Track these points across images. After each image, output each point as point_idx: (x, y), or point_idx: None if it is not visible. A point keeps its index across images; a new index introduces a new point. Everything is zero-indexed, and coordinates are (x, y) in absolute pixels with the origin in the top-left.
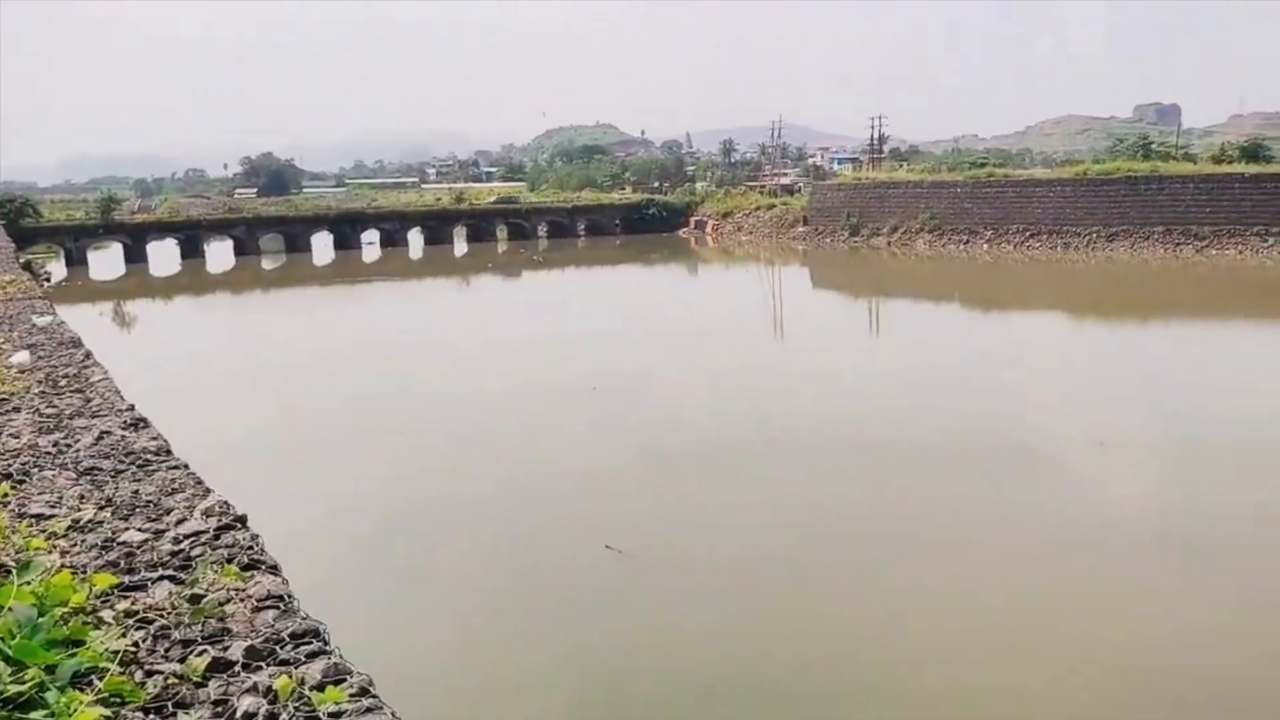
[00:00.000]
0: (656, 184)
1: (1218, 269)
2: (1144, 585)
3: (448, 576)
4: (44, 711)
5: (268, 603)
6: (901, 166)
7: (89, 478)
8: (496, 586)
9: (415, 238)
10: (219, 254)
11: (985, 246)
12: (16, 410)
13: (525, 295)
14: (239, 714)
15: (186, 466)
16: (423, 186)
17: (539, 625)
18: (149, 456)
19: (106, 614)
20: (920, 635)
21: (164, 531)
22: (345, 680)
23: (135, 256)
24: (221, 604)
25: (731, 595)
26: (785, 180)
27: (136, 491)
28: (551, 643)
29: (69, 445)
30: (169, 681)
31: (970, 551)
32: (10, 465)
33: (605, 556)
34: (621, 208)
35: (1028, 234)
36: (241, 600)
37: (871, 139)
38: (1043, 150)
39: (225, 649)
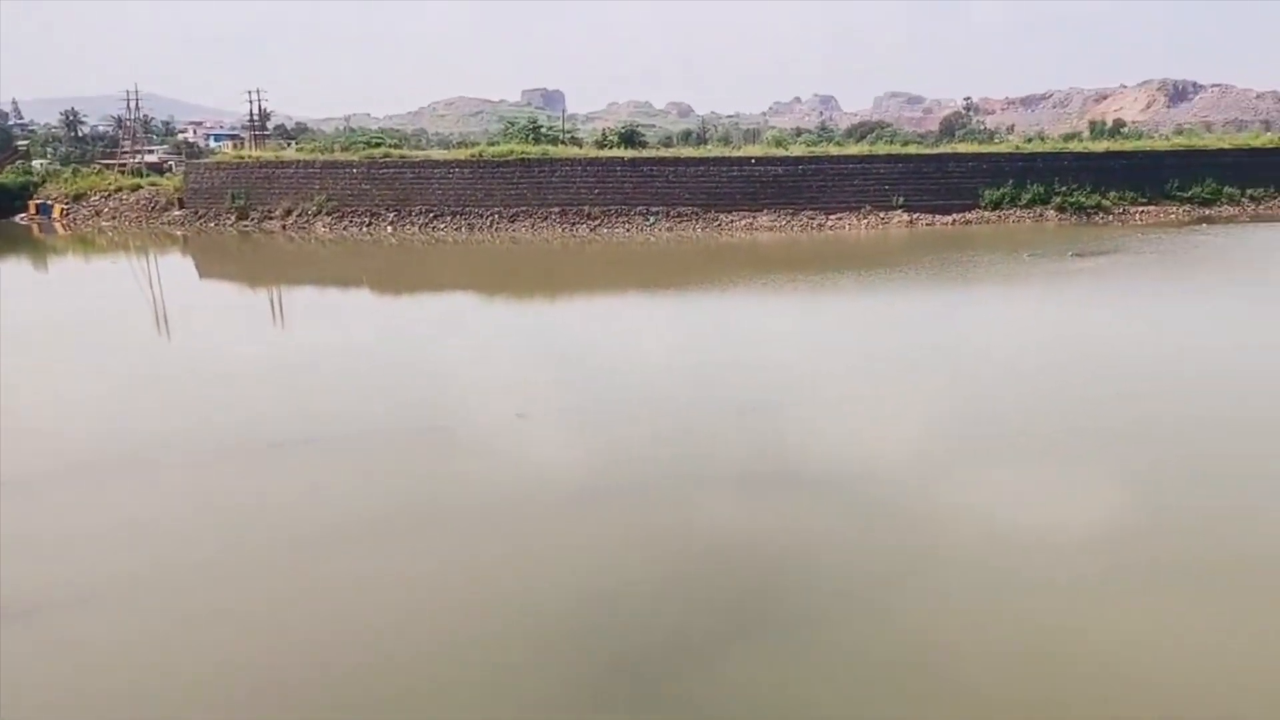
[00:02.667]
0: None
1: (610, 245)
2: (562, 541)
3: None
4: None
5: None
6: (290, 145)
7: None
8: None
9: None
10: None
11: (390, 229)
12: None
13: None
14: None
15: None
16: None
17: None
18: None
19: None
20: (358, 624)
21: None
22: None
23: None
24: None
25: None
26: (152, 158)
27: None
28: None
29: None
30: None
31: (405, 531)
32: None
33: None
34: None
35: (431, 215)
36: None
37: (252, 114)
38: (438, 131)
39: None
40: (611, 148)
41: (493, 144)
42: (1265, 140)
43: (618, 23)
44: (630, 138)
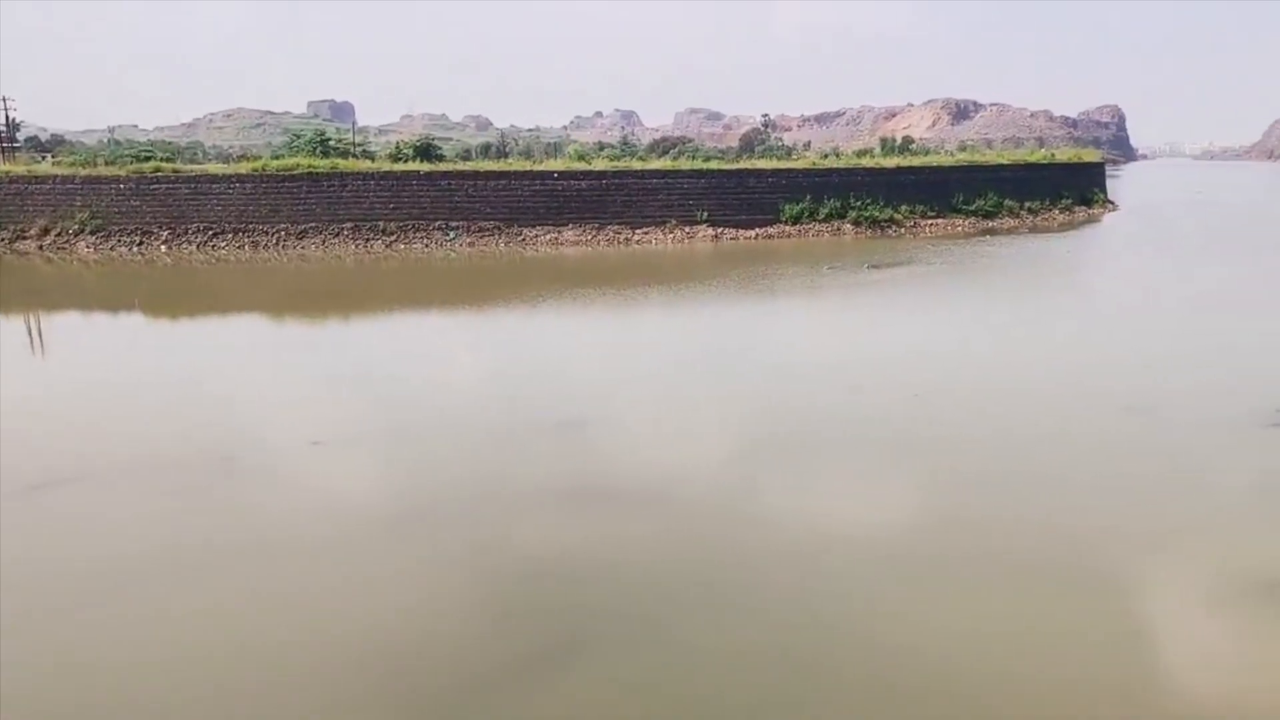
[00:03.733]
0: None
1: (408, 262)
2: (364, 574)
3: None
4: None
5: None
6: (45, 159)
7: None
8: None
9: None
10: None
11: (164, 248)
12: None
13: None
14: None
15: None
16: None
17: None
18: None
19: None
20: (131, 677)
21: None
22: None
23: None
24: None
25: None
26: None
27: None
28: None
29: None
30: None
31: (186, 571)
32: None
33: None
34: None
35: (211, 233)
36: None
37: None
38: (216, 144)
39: None
40: (407, 161)
41: (277, 157)
42: (1039, 156)
43: (412, 32)
44: (426, 151)
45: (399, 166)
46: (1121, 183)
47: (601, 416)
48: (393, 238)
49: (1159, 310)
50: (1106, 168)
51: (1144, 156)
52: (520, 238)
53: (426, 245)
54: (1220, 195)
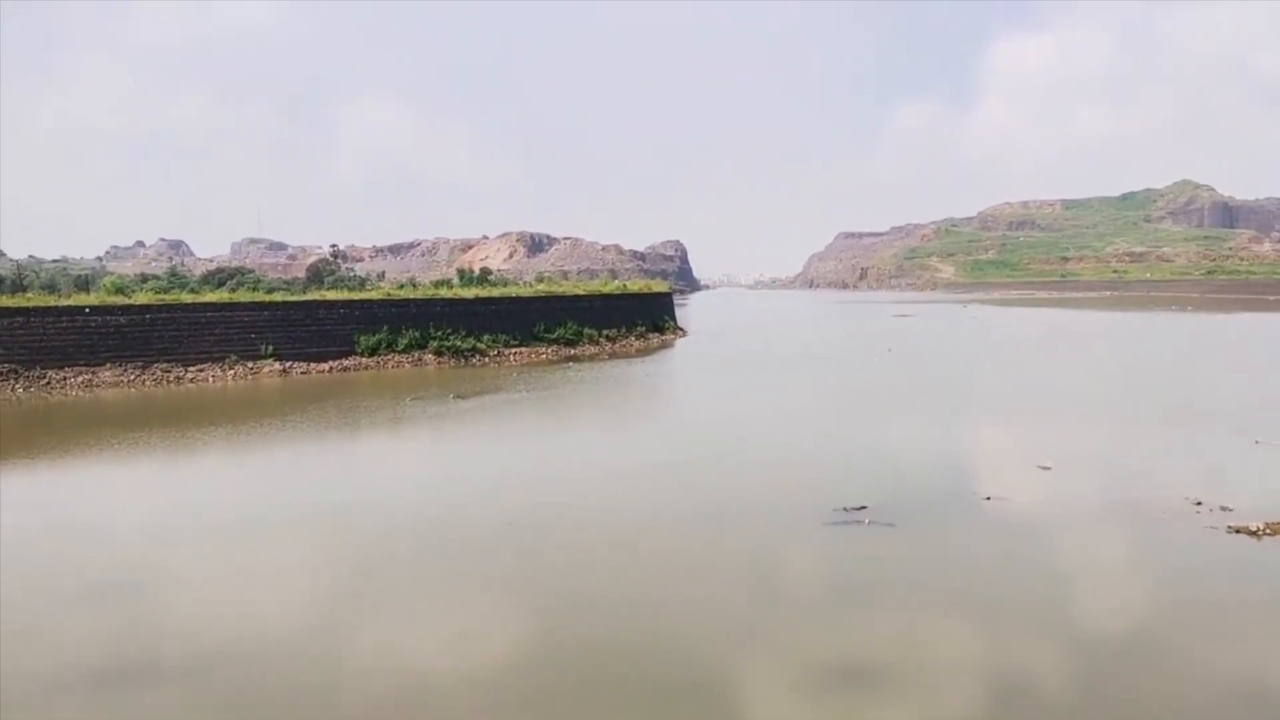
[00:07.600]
0: None
1: None
2: None
3: None
4: None
5: None
6: None
7: None
8: None
9: None
10: None
11: None
12: None
13: None
14: None
15: None
16: None
17: None
18: None
19: None
20: None
21: None
22: None
23: None
24: None
25: None
26: None
27: None
28: None
29: None
30: None
31: None
32: None
33: None
34: None
35: None
36: None
37: None
38: None
39: None
40: None
41: None
42: (614, 287)
43: None
44: None
45: None
46: (689, 310)
47: (145, 578)
48: None
49: (730, 424)
50: (675, 297)
51: (706, 286)
52: (45, 381)
53: None
54: (774, 319)
